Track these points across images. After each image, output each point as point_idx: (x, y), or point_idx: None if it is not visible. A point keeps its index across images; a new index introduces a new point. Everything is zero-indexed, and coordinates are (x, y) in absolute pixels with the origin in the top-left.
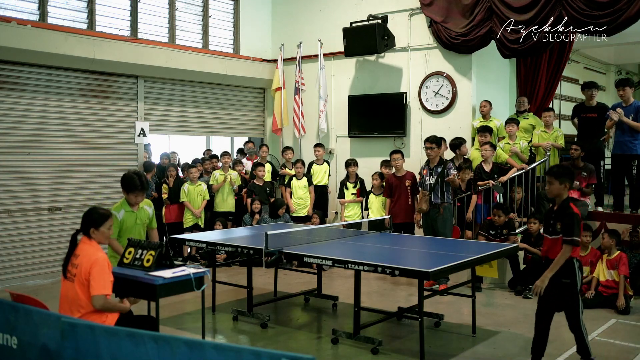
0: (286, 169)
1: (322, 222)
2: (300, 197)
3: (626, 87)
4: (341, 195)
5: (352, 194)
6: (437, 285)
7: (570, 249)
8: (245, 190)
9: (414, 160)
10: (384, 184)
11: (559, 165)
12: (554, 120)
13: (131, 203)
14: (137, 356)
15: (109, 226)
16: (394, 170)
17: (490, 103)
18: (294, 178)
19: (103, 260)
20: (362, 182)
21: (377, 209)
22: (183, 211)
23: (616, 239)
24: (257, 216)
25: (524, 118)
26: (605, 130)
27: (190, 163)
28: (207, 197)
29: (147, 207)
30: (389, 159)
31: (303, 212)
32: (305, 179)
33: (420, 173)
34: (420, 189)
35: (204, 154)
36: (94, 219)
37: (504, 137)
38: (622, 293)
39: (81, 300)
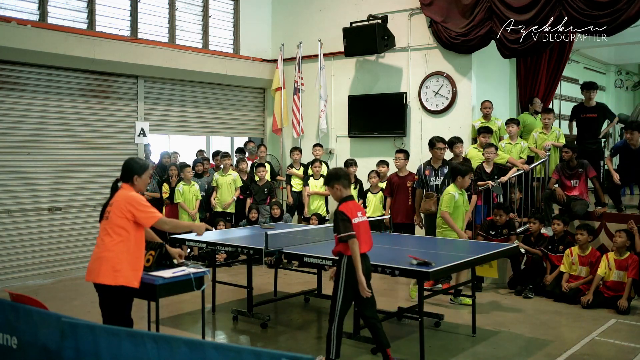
0: (293, 169)
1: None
2: (316, 197)
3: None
4: None
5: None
6: (440, 285)
7: None
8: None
9: (414, 160)
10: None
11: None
12: (554, 122)
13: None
14: (137, 356)
15: (149, 175)
16: (396, 169)
17: (492, 104)
18: (311, 178)
19: (139, 196)
20: (360, 183)
21: (374, 207)
22: (177, 211)
23: (630, 239)
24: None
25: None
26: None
27: (185, 162)
28: (200, 197)
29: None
30: (387, 159)
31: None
32: (322, 179)
33: (419, 173)
34: (423, 189)
35: (213, 153)
36: (137, 168)
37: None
38: (626, 295)
39: (114, 228)
